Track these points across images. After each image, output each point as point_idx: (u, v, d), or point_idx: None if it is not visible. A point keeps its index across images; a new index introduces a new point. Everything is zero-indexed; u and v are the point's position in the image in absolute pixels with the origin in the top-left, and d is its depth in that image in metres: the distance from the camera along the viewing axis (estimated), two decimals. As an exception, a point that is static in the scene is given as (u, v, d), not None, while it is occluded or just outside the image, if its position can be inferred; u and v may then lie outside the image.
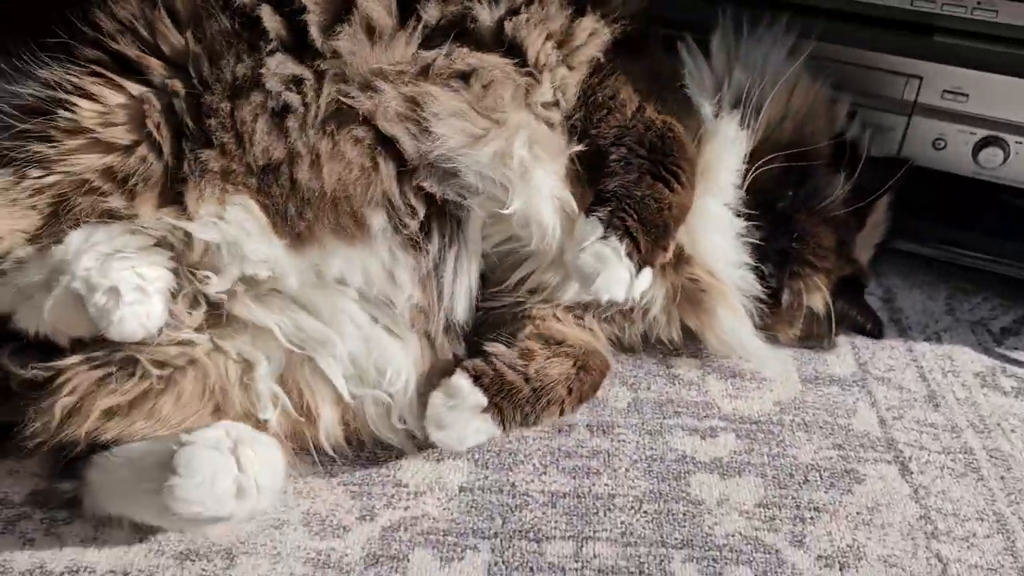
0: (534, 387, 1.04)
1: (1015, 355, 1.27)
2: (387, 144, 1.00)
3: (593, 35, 1.08)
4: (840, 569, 0.95)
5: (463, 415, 1.00)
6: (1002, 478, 1.08)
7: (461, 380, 1.01)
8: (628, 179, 1.02)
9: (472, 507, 1.01)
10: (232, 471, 0.86)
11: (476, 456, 1.07)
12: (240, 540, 0.96)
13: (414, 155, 1.00)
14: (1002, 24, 1.26)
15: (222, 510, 0.85)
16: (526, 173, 1.01)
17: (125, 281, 0.88)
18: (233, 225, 0.96)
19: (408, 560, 0.94)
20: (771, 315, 1.18)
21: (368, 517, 0.99)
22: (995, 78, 1.25)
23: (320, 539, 0.96)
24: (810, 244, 1.15)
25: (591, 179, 1.05)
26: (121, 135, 0.96)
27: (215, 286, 0.97)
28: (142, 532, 0.96)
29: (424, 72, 1.00)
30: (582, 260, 0.99)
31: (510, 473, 1.05)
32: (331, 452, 1.03)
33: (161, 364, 0.96)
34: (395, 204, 1.00)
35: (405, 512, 1.00)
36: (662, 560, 0.95)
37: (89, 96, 0.96)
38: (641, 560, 0.96)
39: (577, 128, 1.06)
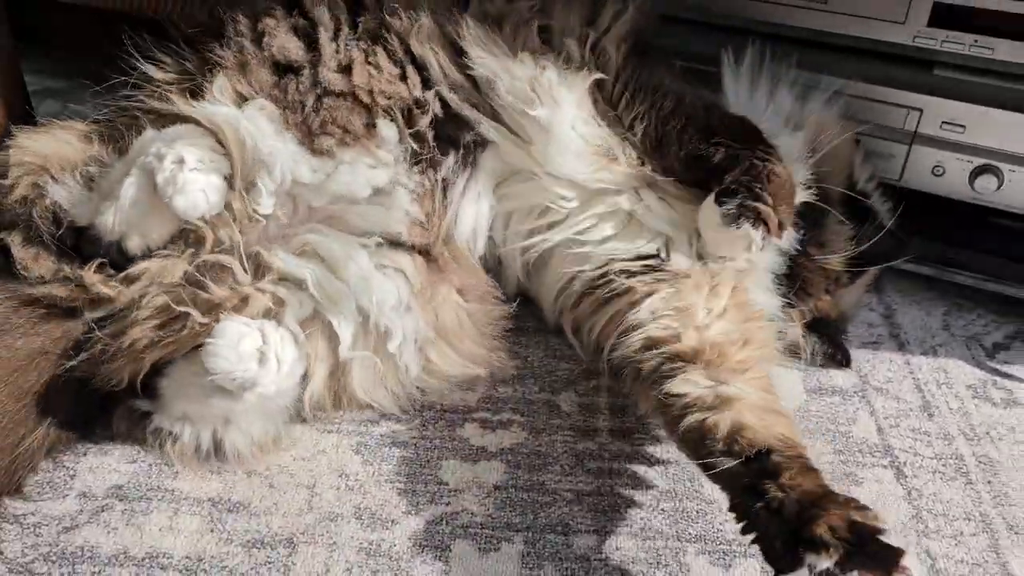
0: None
1: (1006, 369, 1.37)
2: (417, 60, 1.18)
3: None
4: (838, 563, 1.06)
5: None
6: (989, 482, 1.18)
7: None
8: (742, 168, 1.10)
9: (507, 503, 1.12)
10: (256, 339, 1.03)
11: (509, 459, 1.18)
12: (300, 531, 1.07)
13: (442, 73, 1.18)
14: (997, 60, 1.37)
15: (246, 370, 1.02)
16: (553, 92, 1.16)
17: (189, 152, 1.04)
18: (250, 120, 1.11)
19: (450, 550, 1.06)
20: None
21: (413, 512, 1.10)
22: (991, 111, 1.35)
23: (371, 531, 1.08)
24: (796, 287, 1.24)
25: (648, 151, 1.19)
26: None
27: (264, 204, 1.11)
28: (213, 522, 1.08)
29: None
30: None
31: (540, 474, 1.16)
32: (309, 413, 1.16)
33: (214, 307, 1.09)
34: (414, 115, 1.16)
35: (447, 507, 1.11)
36: (677, 552, 1.06)
37: None
38: (658, 552, 1.06)
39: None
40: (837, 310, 1.32)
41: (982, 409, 1.30)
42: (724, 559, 1.06)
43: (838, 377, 1.34)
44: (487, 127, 1.19)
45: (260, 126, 1.11)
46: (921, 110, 1.39)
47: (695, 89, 1.22)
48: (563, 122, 1.17)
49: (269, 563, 1.03)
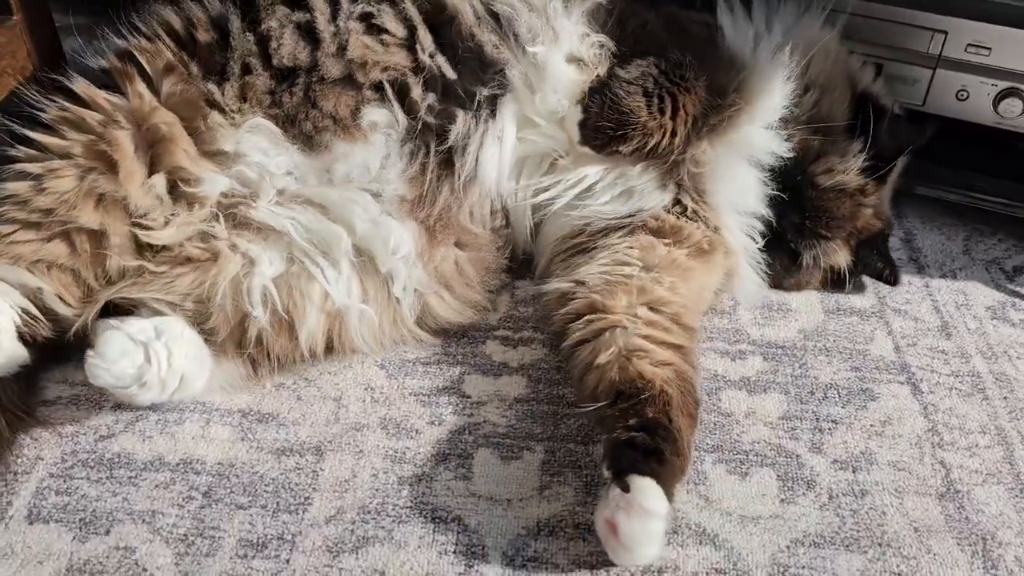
0: None
1: (1025, 291, 1.38)
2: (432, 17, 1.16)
3: None
4: (853, 471, 1.08)
5: None
6: (1005, 398, 1.19)
7: None
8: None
9: (528, 415, 1.14)
10: (137, 359, 1.02)
11: (531, 374, 1.20)
12: (327, 440, 1.10)
13: (475, 16, 1.16)
14: (1025, -20, 1.35)
15: (122, 389, 1.03)
16: (555, 23, 1.18)
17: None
18: (253, 153, 1.11)
19: (473, 458, 1.09)
20: (789, 275, 1.31)
21: (437, 422, 1.13)
22: (1017, 33, 1.33)
23: (396, 439, 1.11)
24: (823, 219, 1.24)
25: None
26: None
27: (261, 211, 1.12)
28: (244, 432, 1.11)
29: None
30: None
31: (560, 388, 1.18)
32: (307, 356, 1.16)
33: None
34: (410, 85, 1.14)
35: (469, 419, 1.14)
36: (695, 461, 1.08)
37: None
38: (676, 461, 1.09)
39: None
40: (880, 217, 1.32)
41: (1000, 329, 1.30)
42: (740, 467, 1.08)
43: (856, 298, 1.35)
44: (513, 70, 1.18)
45: (259, 146, 1.12)
46: (946, 32, 1.37)
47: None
48: (557, 60, 1.17)
49: (298, 469, 1.07)
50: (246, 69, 1.13)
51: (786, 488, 1.06)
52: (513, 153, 1.21)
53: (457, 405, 1.16)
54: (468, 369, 1.21)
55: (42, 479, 1.05)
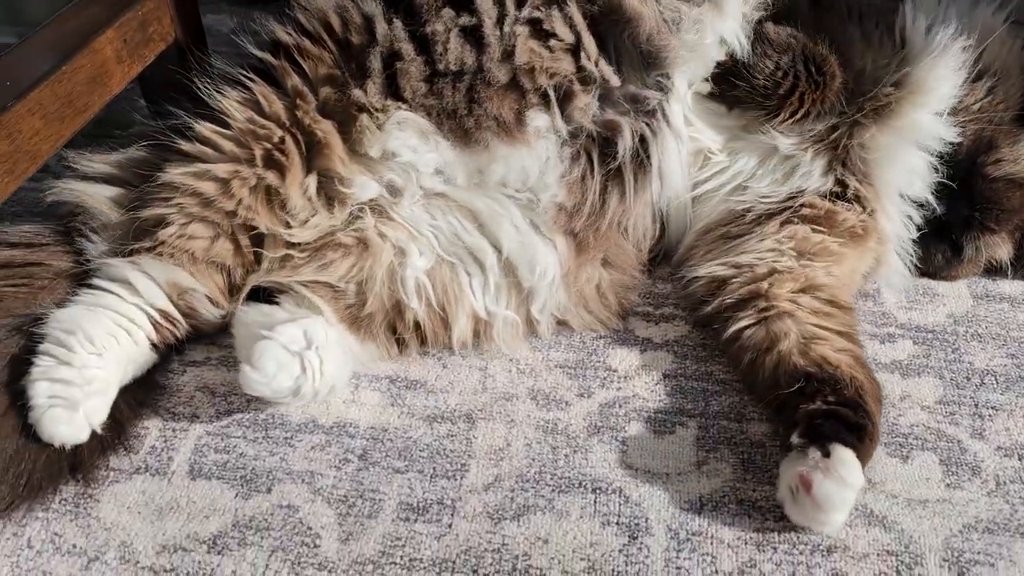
0: None
1: None
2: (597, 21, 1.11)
3: None
4: (1020, 459, 1.05)
5: None
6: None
7: None
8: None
9: (677, 391, 1.13)
10: (295, 372, 1.02)
11: (676, 350, 1.19)
12: (478, 408, 1.10)
13: (648, 26, 1.10)
14: None
15: (279, 398, 1.03)
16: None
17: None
18: (402, 152, 1.09)
19: (625, 431, 1.08)
20: (950, 266, 1.29)
21: (585, 395, 1.12)
22: None
23: (547, 411, 1.10)
24: (992, 211, 1.22)
25: None
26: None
27: (404, 210, 1.11)
28: (393, 398, 1.11)
29: None
30: None
31: (708, 364, 1.17)
32: (456, 350, 1.17)
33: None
34: (575, 92, 1.10)
35: (618, 392, 1.13)
36: (856, 442, 1.06)
37: None
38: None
39: None
40: None
41: None
42: (901, 451, 1.06)
43: (1005, 284, 1.32)
44: (678, 69, 1.16)
45: (408, 143, 1.09)
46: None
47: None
48: (713, 43, 1.16)
49: (451, 436, 1.07)
50: (392, 60, 1.09)
51: (950, 473, 1.03)
52: (688, 151, 1.21)
53: (604, 379, 1.15)
54: (611, 344, 1.20)
55: (200, 436, 1.06)
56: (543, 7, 1.10)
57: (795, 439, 0.98)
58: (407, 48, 1.09)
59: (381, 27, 1.10)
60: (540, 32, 1.10)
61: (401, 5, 1.12)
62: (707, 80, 1.19)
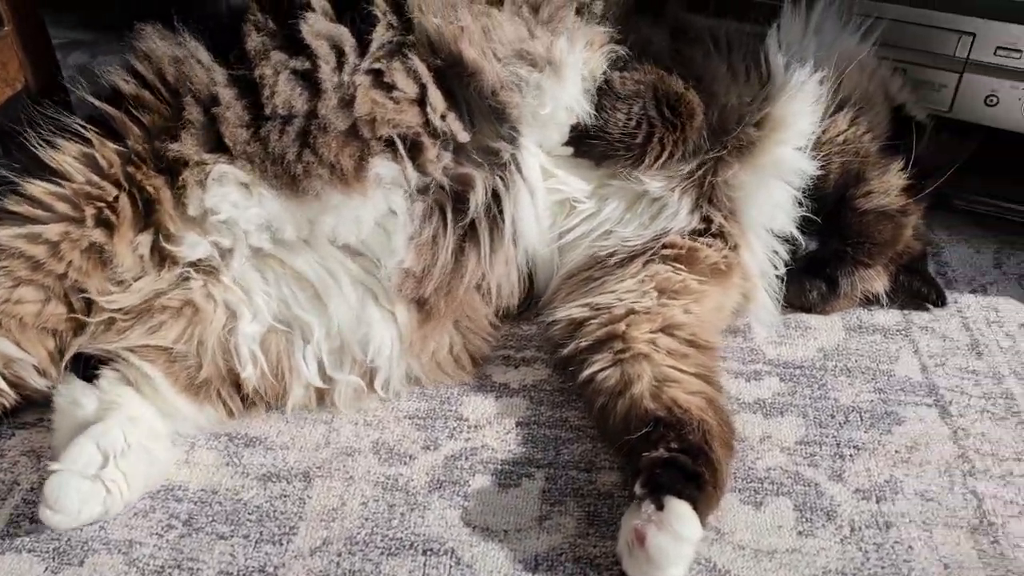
0: None
1: (1061, 306, 1.29)
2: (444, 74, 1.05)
3: None
4: (877, 502, 1.00)
5: None
6: (1041, 421, 1.11)
7: None
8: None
9: (528, 439, 1.08)
10: (100, 496, 0.94)
11: (532, 395, 1.14)
12: (316, 465, 1.05)
13: (489, 80, 1.04)
14: (1056, -24, 1.28)
15: (86, 523, 0.96)
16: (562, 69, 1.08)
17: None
18: (222, 208, 1.02)
19: (469, 485, 1.02)
20: (825, 302, 1.25)
21: (432, 447, 1.07)
22: (1049, 34, 1.26)
23: (388, 466, 1.05)
24: (864, 245, 1.20)
25: None
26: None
27: (233, 270, 1.05)
28: (229, 456, 1.06)
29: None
30: None
31: (563, 410, 1.12)
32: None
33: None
34: (424, 146, 1.04)
35: (466, 443, 1.08)
36: (706, 489, 1.01)
37: None
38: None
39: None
40: (920, 238, 1.28)
41: None
42: (755, 497, 1.01)
43: (880, 315, 1.28)
44: (526, 124, 1.10)
45: (229, 198, 1.03)
46: (973, 34, 1.31)
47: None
48: (561, 105, 1.10)
49: (284, 496, 1.01)
50: (211, 108, 1.02)
51: (804, 519, 0.99)
52: (544, 204, 1.15)
53: (454, 429, 1.10)
54: (467, 390, 1.15)
55: (17, 505, 1.00)
56: (385, 58, 1.04)
57: (638, 489, 0.94)
58: (224, 93, 1.03)
59: (199, 74, 1.04)
60: (382, 83, 1.04)
61: (234, 52, 1.07)
62: (565, 144, 1.13)
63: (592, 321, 1.13)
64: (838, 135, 1.18)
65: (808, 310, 1.28)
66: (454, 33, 1.04)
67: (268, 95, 1.02)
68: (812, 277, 1.23)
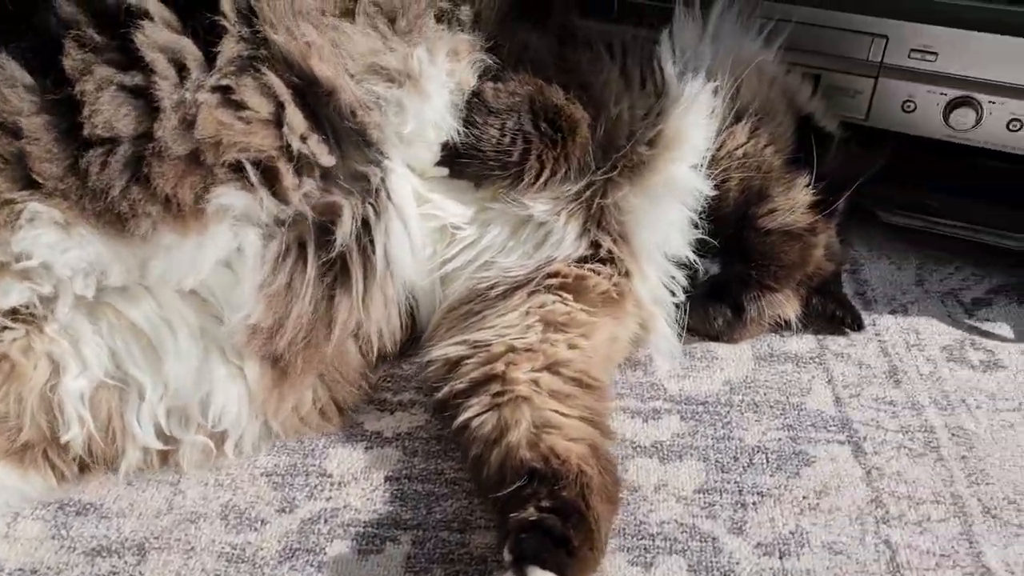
0: None
1: (987, 327, 1.20)
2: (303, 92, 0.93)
3: None
4: (780, 557, 0.90)
5: None
6: (963, 457, 1.02)
7: None
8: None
9: (398, 496, 0.97)
10: None
11: (407, 444, 1.03)
12: (154, 535, 0.93)
13: (346, 99, 0.93)
14: (971, -25, 1.20)
15: None
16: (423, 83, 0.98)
17: None
18: (36, 251, 0.88)
19: (325, 553, 0.91)
20: (732, 329, 1.15)
21: (288, 509, 0.95)
22: (966, 35, 1.18)
23: (236, 533, 0.93)
24: (770, 268, 1.10)
25: None
26: None
27: (58, 320, 0.91)
28: (57, 528, 0.93)
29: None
30: None
31: (440, 461, 1.01)
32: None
33: None
34: (280, 172, 0.92)
35: (327, 503, 0.96)
36: (590, 550, 0.91)
37: None
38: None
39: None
40: (832, 257, 1.18)
41: (958, 373, 1.13)
42: (645, 556, 0.90)
43: (792, 342, 1.18)
44: (391, 145, 1.00)
45: (43, 241, 0.88)
46: (886, 37, 1.22)
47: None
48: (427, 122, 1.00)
49: (114, 573, 0.89)
50: (16, 139, 0.88)
51: (698, 581, 0.88)
52: (420, 232, 1.03)
53: (315, 487, 0.98)
54: (334, 441, 1.03)
55: None
56: (235, 74, 0.91)
57: (505, 555, 0.83)
58: (30, 123, 0.88)
59: (13, 100, 0.89)
60: (230, 102, 0.90)
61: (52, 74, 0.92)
62: (439, 165, 1.02)
63: (469, 360, 1.02)
64: (736, 148, 1.08)
65: (715, 338, 1.18)
66: (302, 50, 0.92)
67: (87, 115, 0.88)
68: (716, 303, 1.13)
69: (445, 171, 1.03)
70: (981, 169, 1.31)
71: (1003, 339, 1.18)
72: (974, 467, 1.01)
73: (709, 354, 1.16)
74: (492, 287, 1.07)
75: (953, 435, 1.04)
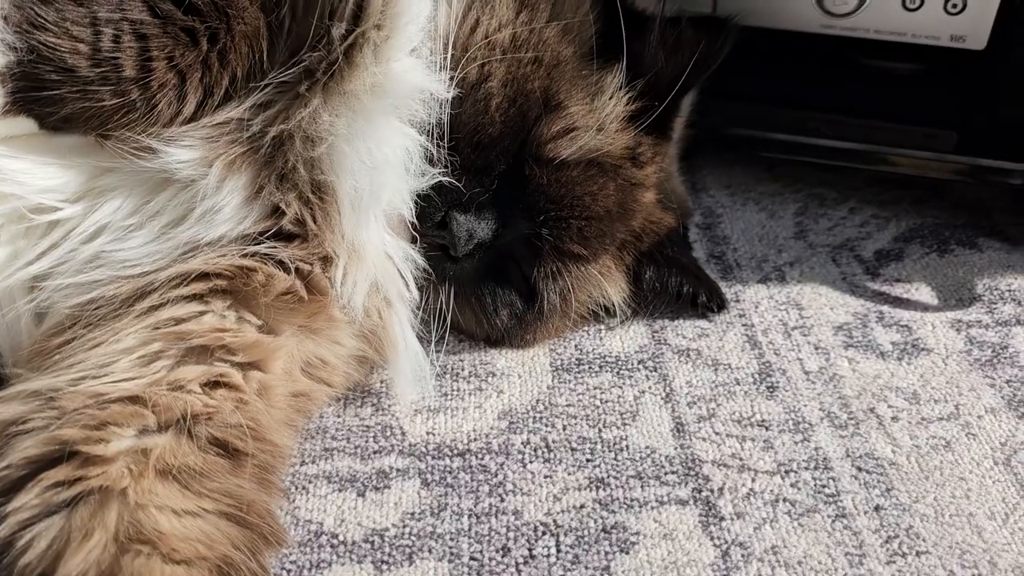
0: None
1: (898, 291, 0.84)
2: None
3: None
4: None
5: None
6: (877, 509, 0.64)
7: None
8: None
9: None
10: None
11: None
12: None
13: None
14: None
15: None
16: None
17: None
18: None
19: None
20: (526, 325, 0.79)
21: None
22: None
23: None
24: (571, 223, 0.76)
25: None
26: None
27: None
28: None
29: None
30: None
31: None
32: None
33: None
34: None
35: None
36: None
37: None
38: None
39: None
40: (668, 204, 0.85)
41: (861, 366, 0.77)
42: None
43: (615, 336, 0.79)
44: None
45: None
46: None
47: None
48: None
49: None
50: None
51: None
52: None
53: None
54: None
55: None
56: None
57: None
58: None
59: None
60: None
61: None
62: (7, 111, 0.63)
63: (30, 422, 0.59)
64: (496, 28, 0.72)
65: (498, 341, 0.78)
66: None
67: None
68: (494, 285, 0.78)
69: (29, 123, 0.63)
70: (876, 72, 0.98)
71: (923, 307, 0.82)
72: (895, 525, 0.62)
73: (483, 369, 0.76)
74: (101, 298, 0.65)
75: (860, 471, 0.66)
